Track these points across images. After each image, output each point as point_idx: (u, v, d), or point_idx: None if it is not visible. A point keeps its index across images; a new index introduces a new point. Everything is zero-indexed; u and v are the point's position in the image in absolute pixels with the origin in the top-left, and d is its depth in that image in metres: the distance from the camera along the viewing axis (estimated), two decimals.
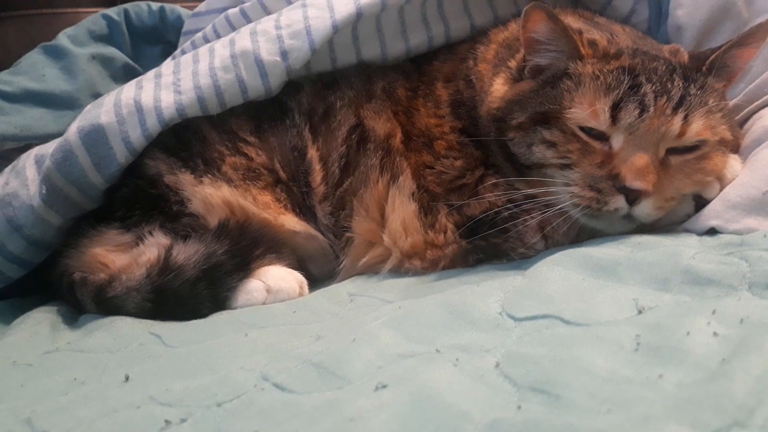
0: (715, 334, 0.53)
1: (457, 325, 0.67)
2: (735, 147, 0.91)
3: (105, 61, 1.51)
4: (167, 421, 0.56)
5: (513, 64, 0.96)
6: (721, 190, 0.86)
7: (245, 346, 0.74)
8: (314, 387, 0.59)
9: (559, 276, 0.73)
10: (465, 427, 0.46)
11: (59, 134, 1.09)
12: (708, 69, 0.87)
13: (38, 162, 1.09)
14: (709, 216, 0.83)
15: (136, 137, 1.02)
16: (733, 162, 0.89)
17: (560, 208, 0.87)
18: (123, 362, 0.75)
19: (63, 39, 1.49)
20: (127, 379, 0.67)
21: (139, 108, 1.02)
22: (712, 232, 0.81)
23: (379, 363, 0.60)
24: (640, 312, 0.62)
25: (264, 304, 0.93)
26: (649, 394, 0.46)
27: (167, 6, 1.58)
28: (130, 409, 0.60)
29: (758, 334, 0.50)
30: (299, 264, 1.03)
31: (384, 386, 0.53)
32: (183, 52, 1.30)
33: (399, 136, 1.04)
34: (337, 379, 0.59)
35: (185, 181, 1.03)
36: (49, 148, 1.09)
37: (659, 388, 0.47)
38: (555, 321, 0.63)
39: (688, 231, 0.84)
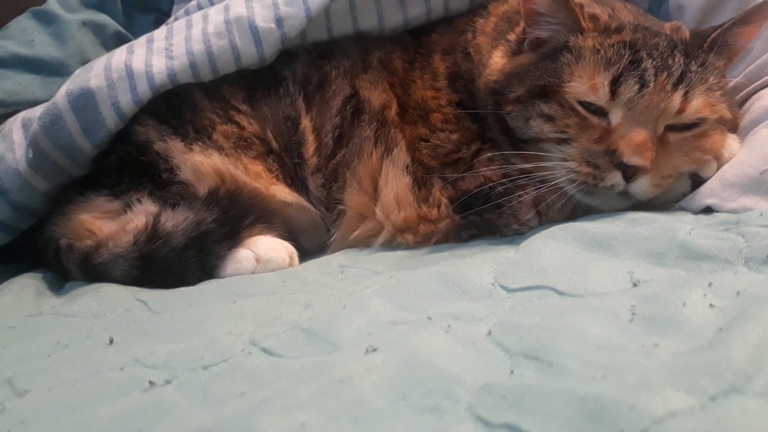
0: (711, 305, 0.52)
1: (449, 295, 0.66)
2: (734, 126, 0.90)
3: (96, 28, 1.48)
4: (151, 383, 0.55)
5: (512, 37, 0.95)
6: (718, 169, 0.85)
7: (233, 313, 0.72)
8: (303, 352, 0.58)
9: (553, 249, 0.72)
10: (457, 390, 0.45)
11: (47, 101, 1.06)
12: (709, 46, 0.86)
13: (25, 126, 1.07)
14: (706, 194, 0.82)
15: (126, 102, 1.00)
16: (731, 141, 0.88)
17: (555, 184, 0.86)
18: (108, 327, 0.73)
19: (53, 4, 1.46)
20: (111, 342, 0.66)
21: (129, 73, 1.00)
22: (708, 211, 0.81)
23: (370, 329, 0.59)
24: (635, 285, 0.61)
25: (253, 273, 0.92)
26: (644, 361, 0.45)
27: None
28: (113, 370, 0.59)
29: (755, 306, 0.49)
30: (290, 236, 1.01)
31: (374, 350, 0.52)
32: (176, 20, 1.27)
33: (394, 107, 1.02)
34: (327, 345, 0.58)
35: (175, 149, 1.01)
36: (36, 111, 1.06)
37: (655, 356, 0.46)
38: (548, 292, 0.62)
39: (683, 209, 0.83)
